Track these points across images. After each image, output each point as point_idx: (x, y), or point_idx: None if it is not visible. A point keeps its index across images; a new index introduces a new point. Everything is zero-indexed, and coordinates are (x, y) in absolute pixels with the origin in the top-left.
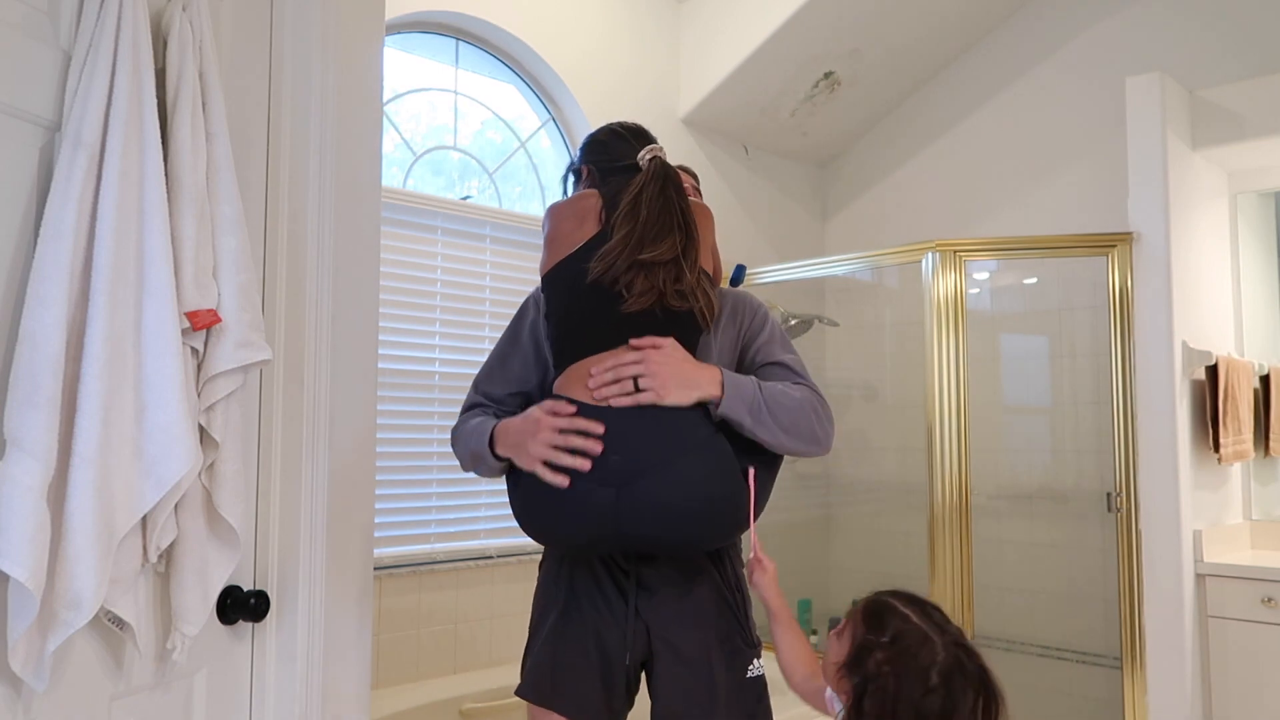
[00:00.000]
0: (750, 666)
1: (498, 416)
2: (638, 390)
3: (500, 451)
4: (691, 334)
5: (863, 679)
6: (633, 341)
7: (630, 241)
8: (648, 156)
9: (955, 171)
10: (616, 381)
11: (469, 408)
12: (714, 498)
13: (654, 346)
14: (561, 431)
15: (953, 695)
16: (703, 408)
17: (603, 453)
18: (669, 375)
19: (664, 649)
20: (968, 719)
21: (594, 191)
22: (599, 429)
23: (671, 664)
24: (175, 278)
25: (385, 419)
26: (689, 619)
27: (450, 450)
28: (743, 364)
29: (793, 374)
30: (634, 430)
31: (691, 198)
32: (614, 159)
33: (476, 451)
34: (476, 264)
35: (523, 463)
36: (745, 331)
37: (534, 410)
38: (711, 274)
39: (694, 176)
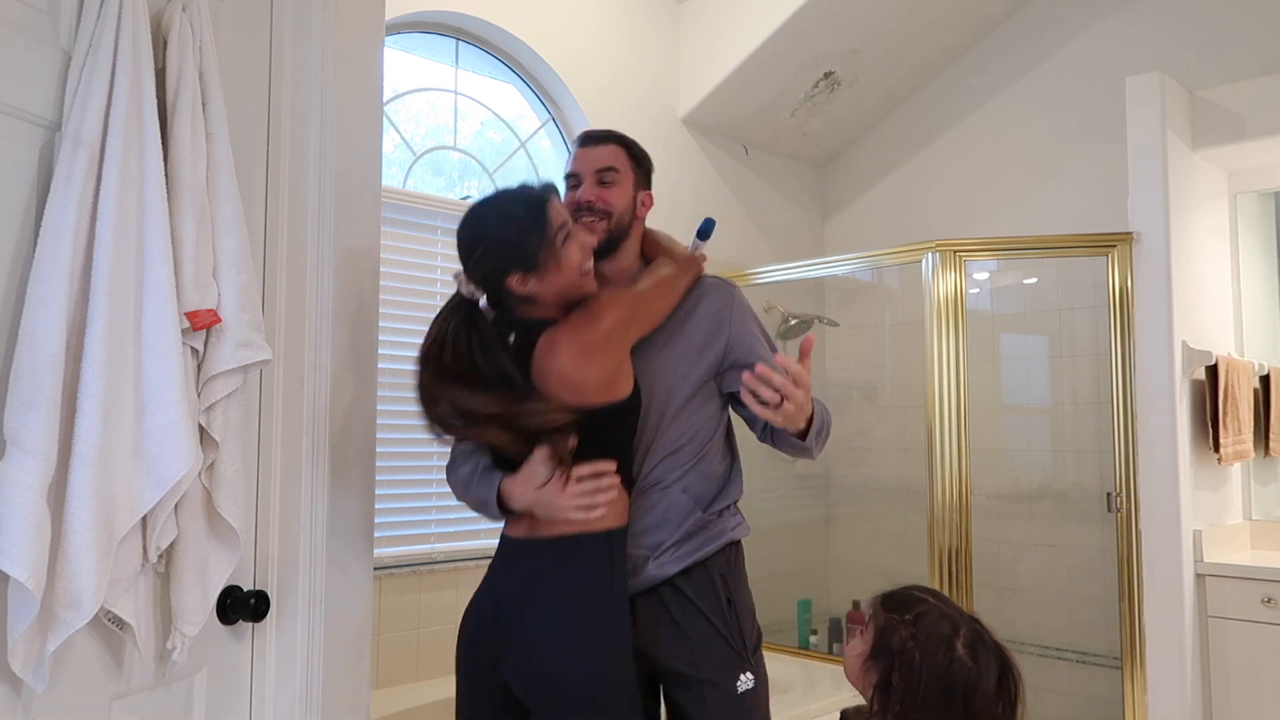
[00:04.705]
0: (740, 680)
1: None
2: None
3: (517, 507)
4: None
5: (889, 657)
6: (780, 360)
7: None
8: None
9: (955, 171)
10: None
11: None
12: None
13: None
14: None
15: (978, 666)
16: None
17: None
18: (804, 400)
19: (655, 667)
20: (992, 692)
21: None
22: (610, 467)
23: (664, 682)
24: (175, 277)
25: (385, 419)
26: (674, 637)
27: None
28: (722, 363)
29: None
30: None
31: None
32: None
33: (484, 500)
34: None
35: (556, 516)
36: (731, 333)
37: (539, 469)
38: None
39: (636, 155)
